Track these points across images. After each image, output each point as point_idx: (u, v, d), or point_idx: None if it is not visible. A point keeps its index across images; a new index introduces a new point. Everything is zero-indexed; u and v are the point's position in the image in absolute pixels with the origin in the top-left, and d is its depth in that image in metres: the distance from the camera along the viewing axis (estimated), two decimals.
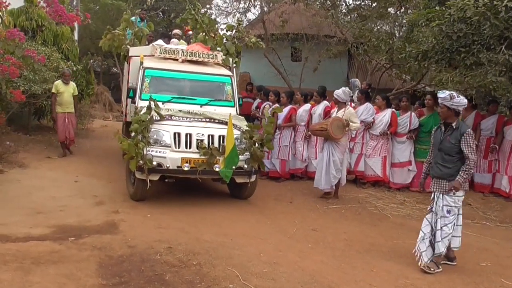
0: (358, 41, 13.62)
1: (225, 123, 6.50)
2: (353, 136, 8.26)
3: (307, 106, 8.87)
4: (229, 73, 7.75)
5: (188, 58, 7.56)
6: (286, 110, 8.86)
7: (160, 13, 25.41)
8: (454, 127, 4.86)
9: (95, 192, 6.97)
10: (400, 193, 8.37)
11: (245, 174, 6.65)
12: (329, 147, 7.46)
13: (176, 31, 9.81)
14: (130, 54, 7.87)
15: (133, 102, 7.17)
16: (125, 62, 8.34)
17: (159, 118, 6.39)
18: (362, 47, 13.14)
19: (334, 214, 6.93)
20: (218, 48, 7.75)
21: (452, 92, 4.88)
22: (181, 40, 9.22)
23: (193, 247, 4.94)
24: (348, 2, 14.87)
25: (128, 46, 8.01)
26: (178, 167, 6.31)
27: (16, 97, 7.55)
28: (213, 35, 7.97)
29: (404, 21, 13.40)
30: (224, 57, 7.73)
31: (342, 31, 14.27)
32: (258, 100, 9.94)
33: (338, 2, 13.98)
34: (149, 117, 6.22)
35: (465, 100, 4.91)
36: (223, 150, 6.37)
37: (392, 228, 6.49)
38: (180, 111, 6.71)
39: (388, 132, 8.40)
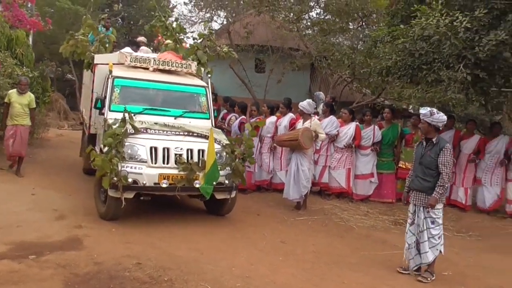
0: (322, 54, 13.90)
1: (204, 137, 6.27)
2: (317, 148, 8.37)
3: (273, 118, 8.91)
4: (204, 83, 7.47)
5: (161, 67, 7.20)
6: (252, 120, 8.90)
7: (119, 19, 24.93)
8: (434, 142, 5.08)
9: (55, 206, 6.62)
10: (364, 204, 8.58)
11: (225, 190, 6.36)
12: (297, 157, 7.55)
13: (141, 38, 9.55)
14: (95, 62, 7.45)
15: (101, 113, 6.74)
16: (89, 70, 7.96)
17: (133, 131, 6.01)
18: (325, 61, 13.41)
19: (301, 226, 6.97)
20: (189, 58, 7.53)
21: (432, 109, 5.11)
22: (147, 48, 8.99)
23: (164, 263, 4.82)
24: (312, 16, 15.18)
25: (93, 53, 7.65)
26: (155, 183, 5.93)
27: None
28: (184, 44, 7.78)
29: (366, 36, 13.84)
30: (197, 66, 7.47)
31: (306, 44, 14.50)
32: (223, 111, 9.90)
33: (302, 16, 14.19)
34: (123, 130, 5.84)
35: (445, 117, 5.14)
36: (203, 165, 6.03)
37: (358, 239, 6.60)
38: (156, 123, 6.38)
39: (353, 145, 8.58)
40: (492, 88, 7.66)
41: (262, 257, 5.40)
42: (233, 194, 6.53)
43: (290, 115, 8.80)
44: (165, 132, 6.24)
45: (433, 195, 5.00)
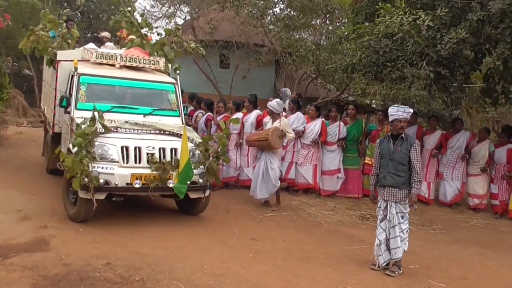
0: (286, 50, 14.00)
1: (176, 135, 6.18)
2: (284, 144, 8.43)
3: (239, 114, 8.92)
4: (173, 80, 7.31)
5: (128, 63, 7.00)
6: (218, 119, 8.89)
7: (79, 13, 24.26)
8: (404, 138, 5.24)
9: (18, 206, 6.43)
10: (331, 200, 8.70)
11: (199, 189, 6.28)
12: (266, 156, 7.56)
13: (105, 33, 9.30)
14: (58, 58, 7.20)
15: (67, 112, 6.51)
16: (51, 67, 7.68)
17: (103, 130, 5.83)
18: (290, 57, 13.51)
19: (270, 223, 7.02)
20: (155, 54, 7.36)
21: (404, 106, 5.27)
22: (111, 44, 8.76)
23: (134, 262, 4.75)
24: (276, 12, 15.25)
25: (55, 50, 7.38)
26: (128, 184, 5.78)
27: None
28: (150, 37, 7.60)
29: (329, 32, 14.05)
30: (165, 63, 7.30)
31: (271, 40, 14.56)
32: (190, 108, 9.82)
33: (266, 11, 14.24)
34: (93, 129, 5.66)
35: (411, 109, 5.32)
36: (176, 164, 5.91)
37: (327, 235, 6.71)
38: (126, 122, 6.23)
39: (319, 141, 8.69)
40: (453, 84, 7.91)
41: (233, 255, 5.41)
42: (207, 193, 6.46)
43: (257, 112, 8.84)
44: (136, 131, 6.10)
45: (413, 191, 5.16)
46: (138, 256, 4.94)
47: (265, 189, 7.57)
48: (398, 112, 5.21)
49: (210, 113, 9.18)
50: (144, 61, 7.09)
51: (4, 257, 4.58)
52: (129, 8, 7.76)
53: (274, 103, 7.68)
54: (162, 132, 6.22)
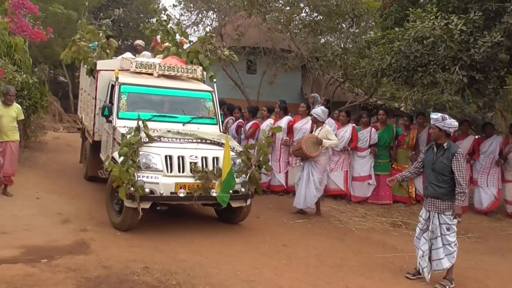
0: (313, 55, 14.02)
1: (218, 144, 6.22)
2: (331, 151, 8.36)
3: (270, 120, 9.01)
4: (210, 88, 7.36)
5: (166, 72, 7.08)
6: (249, 125, 9.02)
7: (110, 22, 24.90)
8: (445, 147, 5.06)
9: (59, 210, 6.70)
10: (361, 206, 8.65)
11: (241, 198, 6.26)
12: (308, 166, 7.52)
13: (139, 42, 9.54)
14: (98, 68, 7.39)
15: (108, 121, 6.65)
16: (91, 76, 7.92)
17: (147, 140, 5.88)
18: (318, 62, 13.53)
19: (301, 229, 7.05)
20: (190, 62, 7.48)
21: (444, 114, 5.12)
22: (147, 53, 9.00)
23: (170, 266, 4.90)
24: (302, 17, 15.29)
25: (95, 60, 7.58)
26: (172, 193, 5.81)
27: None
28: (184, 42, 7.73)
29: (356, 36, 14.01)
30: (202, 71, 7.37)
31: (297, 45, 14.62)
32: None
33: (293, 17, 14.30)
34: (137, 139, 5.70)
35: (456, 123, 5.14)
36: (218, 173, 5.93)
37: (358, 242, 6.69)
38: (169, 131, 6.23)
39: (349, 148, 8.69)
40: (489, 88, 7.78)
41: (265, 261, 5.48)
42: (249, 202, 6.46)
43: (288, 118, 8.91)
44: (178, 140, 6.13)
45: (456, 203, 4.97)
46: (174, 261, 5.08)
47: (308, 198, 7.54)
48: (432, 116, 5.13)
49: (241, 120, 9.30)
50: (182, 69, 7.17)
51: (50, 259, 4.80)
52: (165, 17, 7.92)
53: (318, 111, 7.60)
54: (204, 141, 6.26)
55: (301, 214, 7.72)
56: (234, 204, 6.31)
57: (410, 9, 7.50)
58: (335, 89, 15.15)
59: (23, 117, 7.43)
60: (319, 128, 7.55)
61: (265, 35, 15.18)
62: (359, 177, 8.81)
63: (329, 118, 8.87)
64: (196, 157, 6.02)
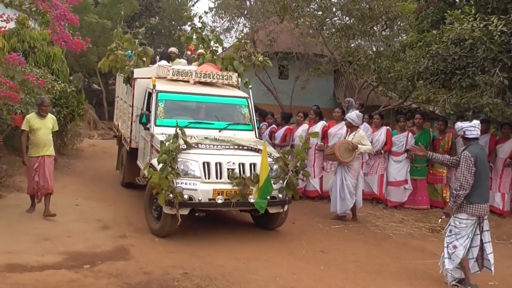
0: (346, 59, 13.92)
1: (255, 150, 6.24)
2: (366, 157, 8.28)
3: (304, 126, 8.98)
4: (245, 94, 7.39)
5: (202, 79, 7.15)
6: (282, 130, 9.01)
7: (145, 30, 25.40)
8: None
9: (98, 216, 6.86)
10: (398, 211, 8.51)
11: (279, 204, 6.25)
12: (342, 171, 7.49)
13: (173, 49, 9.68)
14: (135, 76, 7.52)
15: (146, 128, 6.73)
16: (128, 84, 8.06)
17: (185, 146, 5.91)
18: (351, 66, 13.41)
19: (338, 235, 6.99)
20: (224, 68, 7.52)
21: (463, 123, 5.18)
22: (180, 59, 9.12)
23: (209, 272, 4.94)
24: (334, 21, 15.20)
25: (132, 68, 7.69)
26: (210, 199, 5.85)
27: (17, 122, 6.95)
28: (217, 48, 7.78)
29: (388, 39, 13.83)
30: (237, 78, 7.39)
31: (330, 50, 14.54)
32: None
33: (326, 21, 14.24)
34: (176, 146, 5.73)
35: (474, 131, 5.09)
36: (256, 180, 5.94)
37: (396, 247, 6.58)
38: (206, 138, 6.32)
39: (382, 151, 8.58)
40: None
41: (303, 267, 5.45)
42: (286, 207, 6.43)
43: (323, 123, 8.86)
44: (215, 146, 6.16)
45: (449, 204, 5.06)
46: (212, 267, 5.12)
47: (343, 203, 7.50)
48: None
49: (274, 126, 9.31)
50: (218, 76, 7.22)
51: (92, 265, 4.91)
52: (200, 25, 8.01)
53: (353, 115, 7.56)
54: (241, 147, 6.27)
55: (338, 220, 7.65)
56: (272, 210, 6.30)
57: (448, 11, 7.34)
58: (368, 93, 14.97)
59: (57, 128, 7.00)
60: (353, 133, 7.49)
61: (298, 40, 15.15)
62: (395, 182, 8.66)
63: (364, 123, 8.78)
64: (233, 163, 6.03)
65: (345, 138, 7.82)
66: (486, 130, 8.71)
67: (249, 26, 16.69)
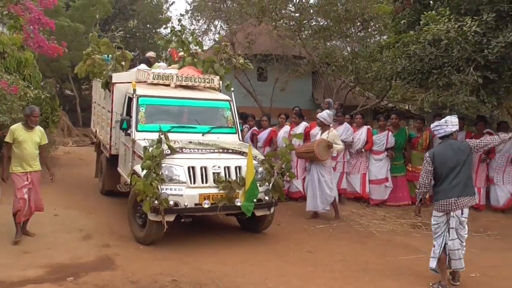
0: (324, 61, 14.03)
1: (239, 153, 6.21)
2: (334, 155, 8.40)
3: (287, 127, 9.00)
4: (228, 97, 7.31)
5: (184, 83, 7.04)
6: (265, 133, 9.01)
7: (122, 34, 25.02)
8: None
9: (79, 226, 6.70)
10: (380, 209, 8.64)
11: (265, 206, 6.22)
12: (317, 168, 7.59)
13: (151, 53, 9.54)
14: (113, 81, 7.32)
15: (127, 134, 6.58)
16: (106, 89, 7.87)
17: (169, 152, 5.80)
18: (329, 67, 13.53)
19: (323, 234, 7.03)
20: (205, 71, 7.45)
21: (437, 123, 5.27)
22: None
23: (198, 278, 4.90)
24: (311, 23, 15.30)
25: (110, 73, 7.47)
26: (196, 204, 5.77)
27: None
28: (199, 52, 7.70)
29: (364, 40, 14.01)
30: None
31: (308, 51, 14.64)
32: None
33: (304, 23, 14.32)
34: (159, 151, 5.63)
35: (442, 129, 5.17)
36: (242, 183, 5.91)
37: (380, 245, 6.66)
38: (190, 142, 6.25)
39: (363, 149, 8.69)
40: (502, 87, 7.73)
41: (291, 269, 5.46)
42: (272, 210, 6.43)
43: (304, 124, 8.91)
44: (200, 150, 6.08)
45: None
46: (201, 272, 5.08)
47: (324, 199, 7.58)
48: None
49: (255, 128, 9.30)
50: (199, 80, 7.15)
51: (76, 276, 4.80)
52: (179, 28, 7.91)
53: (324, 115, 7.68)
54: (225, 150, 6.21)
55: (315, 218, 7.75)
56: (258, 213, 6.29)
57: (424, 12, 7.48)
58: (346, 94, 15.14)
59: (46, 141, 6.38)
60: (326, 132, 7.59)
61: (276, 42, 15.18)
62: (376, 180, 8.80)
63: (345, 123, 8.86)
64: (219, 167, 5.97)
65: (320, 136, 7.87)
66: (461, 127, 8.92)
67: (226, 28, 16.63)
